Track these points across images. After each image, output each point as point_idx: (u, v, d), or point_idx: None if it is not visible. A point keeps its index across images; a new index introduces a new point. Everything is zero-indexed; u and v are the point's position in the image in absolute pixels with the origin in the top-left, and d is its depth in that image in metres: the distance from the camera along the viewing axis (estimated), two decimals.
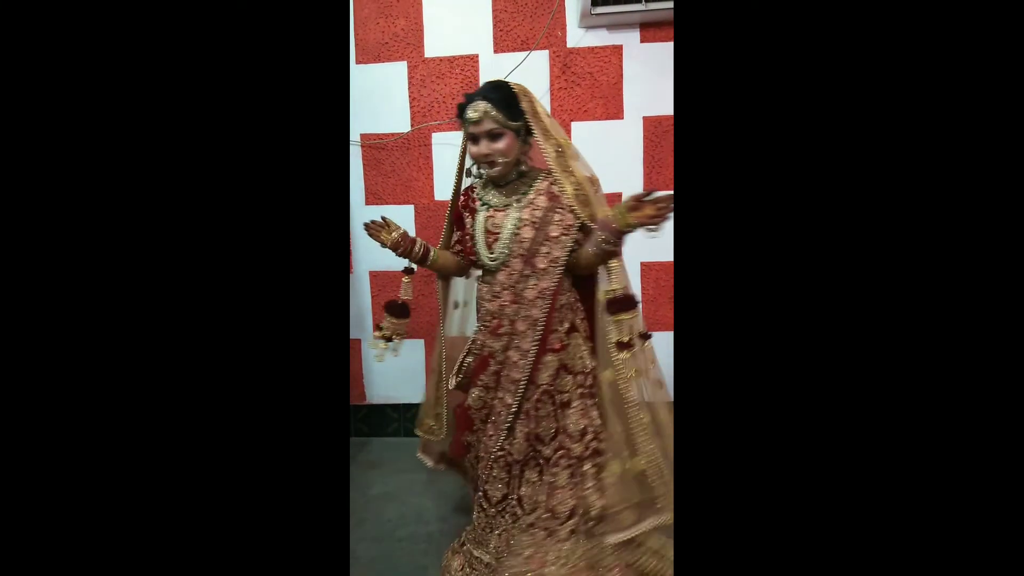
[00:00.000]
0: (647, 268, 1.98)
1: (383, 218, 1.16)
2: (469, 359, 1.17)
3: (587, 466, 1.10)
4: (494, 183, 1.13)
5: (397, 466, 1.90)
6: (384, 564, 1.36)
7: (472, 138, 1.07)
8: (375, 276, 2.08)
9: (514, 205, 1.09)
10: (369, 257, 2.08)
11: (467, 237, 1.16)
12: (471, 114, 1.04)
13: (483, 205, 1.13)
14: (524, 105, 1.06)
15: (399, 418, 2.17)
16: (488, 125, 1.03)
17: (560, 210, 1.06)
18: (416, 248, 1.15)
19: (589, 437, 1.10)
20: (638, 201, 0.93)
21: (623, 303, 1.00)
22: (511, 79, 1.94)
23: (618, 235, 0.98)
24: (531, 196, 1.08)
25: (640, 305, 1.06)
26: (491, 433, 1.14)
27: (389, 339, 1.20)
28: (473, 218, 1.15)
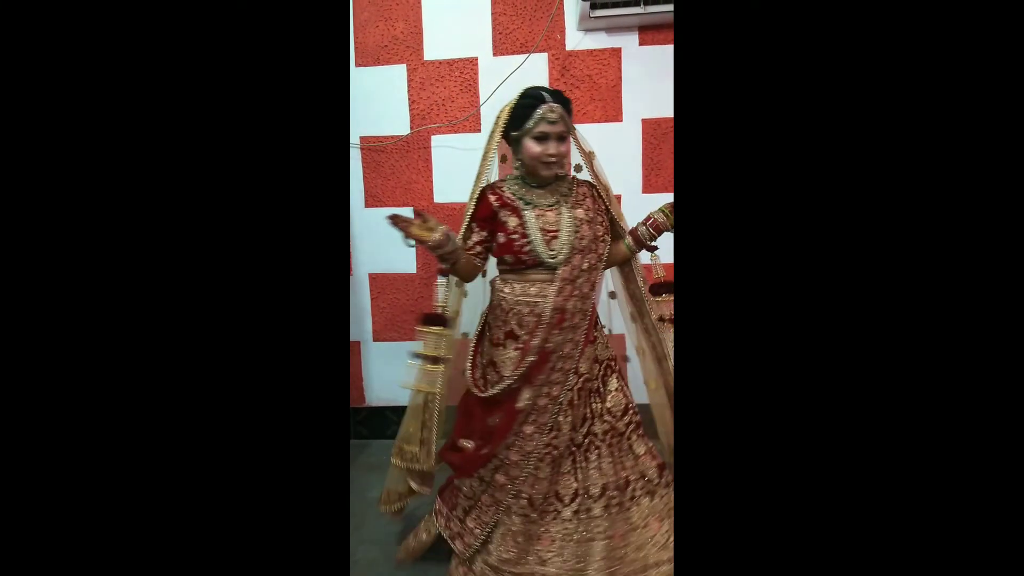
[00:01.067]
0: (648, 271, 1.98)
1: (419, 213, 1.08)
2: (531, 358, 1.10)
3: (634, 438, 1.18)
4: (539, 184, 1.15)
5: None
6: (384, 567, 1.36)
7: (542, 137, 1.08)
8: (374, 279, 2.08)
9: (563, 204, 1.13)
10: (368, 260, 2.08)
11: (513, 236, 1.13)
12: (552, 115, 1.06)
13: (528, 204, 1.13)
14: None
15: (399, 420, 2.17)
16: (560, 127, 1.07)
17: (599, 210, 1.18)
18: (458, 249, 1.10)
19: (632, 412, 1.20)
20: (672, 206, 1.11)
21: (666, 286, 1.17)
22: (510, 82, 1.96)
23: (661, 233, 1.14)
24: (577, 196, 1.16)
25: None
26: (531, 432, 1.12)
27: (436, 360, 1.08)
28: (519, 216, 1.13)
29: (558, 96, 1.08)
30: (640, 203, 1.95)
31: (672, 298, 1.17)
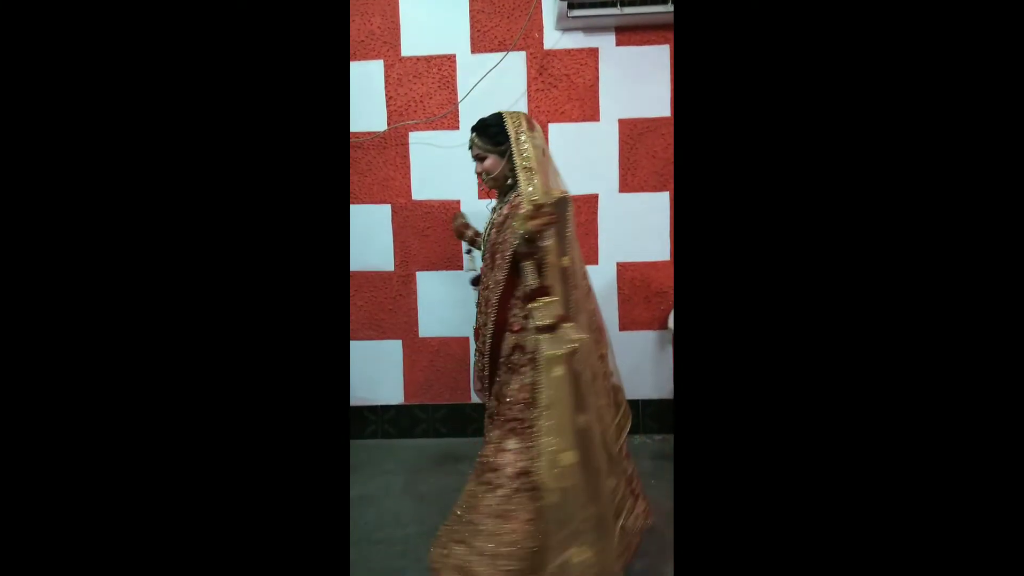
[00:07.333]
0: (622, 268, 2.01)
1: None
2: (473, 326, 1.41)
3: (527, 433, 1.22)
4: (498, 194, 1.38)
5: (374, 469, 1.89)
6: (361, 567, 1.35)
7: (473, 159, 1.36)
8: (352, 276, 2.06)
9: (496, 212, 1.33)
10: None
11: None
12: (469, 143, 1.34)
13: (492, 211, 1.38)
14: (509, 131, 1.27)
15: (376, 420, 2.15)
16: (474, 151, 1.32)
17: (514, 217, 1.27)
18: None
19: (519, 407, 1.24)
20: (535, 211, 1.16)
21: (532, 296, 1.22)
22: (488, 80, 1.96)
23: (524, 239, 1.18)
24: (503, 205, 1.31)
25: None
26: (479, 388, 1.38)
27: None
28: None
29: (481, 122, 1.32)
30: (617, 202, 1.98)
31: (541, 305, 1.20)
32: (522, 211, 1.17)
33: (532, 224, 1.14)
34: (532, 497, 1.17)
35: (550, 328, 1.17)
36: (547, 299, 1.19)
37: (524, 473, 1.19)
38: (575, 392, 1.19)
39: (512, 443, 1.22)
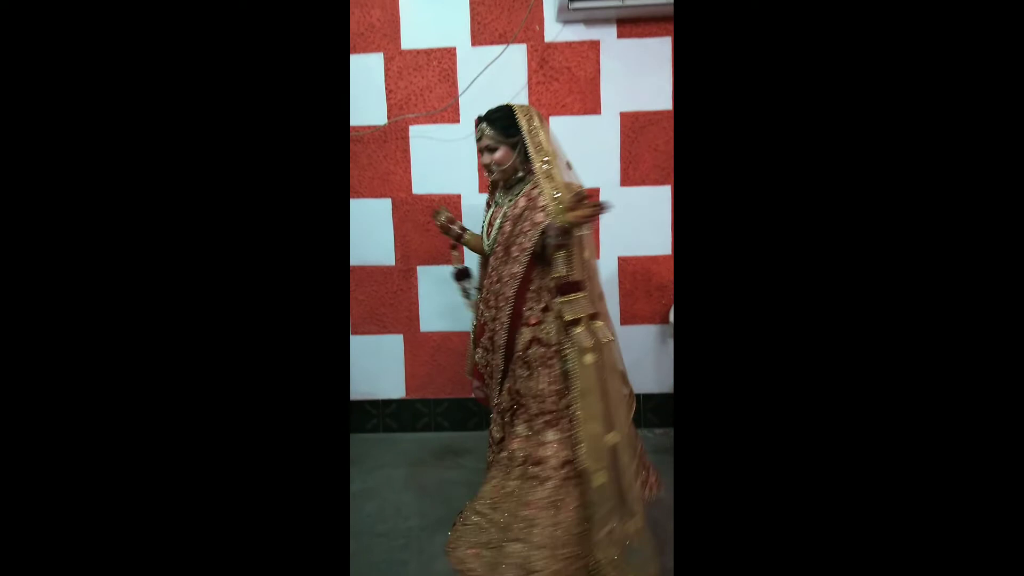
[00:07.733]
0: (624, 262, 2.01)
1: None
2: (473, 323, 1.40)
3: (563, 423, 1.26)
4: (503, 186, 1.37)
5: (376, 462, 1.90)
6: (362, 560, 1.36)
7: (480, 152, 1.34)
8: (352, 271, 2.06)
9: (506, 204, 1.32)
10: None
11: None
12: (477, 134, 1.32)
13: (494, 203, 1.38)
14: (521, 123, 1.27)
15: (378, 414, 2.16)
16: (485, 143, 1.30)
17: (534, 209, 1.27)
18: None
19: (552, 400, 1.26)
20: (575, 202, 1.15)
21: (564, 289, 1.21)
22: (488, 73, 1.95)
23: (560, 231, 1.17)
24: (517, 198, 1.30)
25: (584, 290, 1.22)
26: (490, 385, 1.38)
27: None
28: (487, 212, 1.40)
29: (491, 113, 1.30)
30: (618, 196, 1.97)
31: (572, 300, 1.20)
32: (550, 203, 1.16)
33: (573, 216, 1.13)
34: (578, 483, 1.20)
35: (578, 323, 1.18)
36: (577, 295, 1.19)
37: (568, 462, 1.21)
38: (600, 378, 1.20)
39: (551, 435, 1.23)
